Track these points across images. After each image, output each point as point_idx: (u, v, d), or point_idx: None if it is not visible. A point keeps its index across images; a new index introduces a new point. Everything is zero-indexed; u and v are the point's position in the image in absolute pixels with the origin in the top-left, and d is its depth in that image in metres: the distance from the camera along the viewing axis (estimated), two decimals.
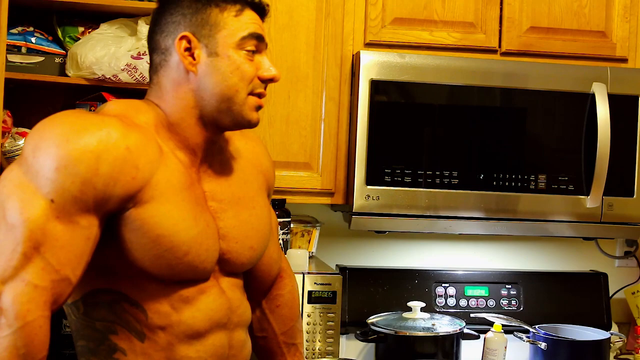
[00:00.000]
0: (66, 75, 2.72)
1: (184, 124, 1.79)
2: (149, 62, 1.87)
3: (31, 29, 2.75)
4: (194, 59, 1.77)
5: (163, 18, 1.81)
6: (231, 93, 1.78)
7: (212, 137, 1.84)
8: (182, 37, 1.77)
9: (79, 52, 2.67)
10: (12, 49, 2.67)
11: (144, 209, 1.67)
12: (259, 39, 1.81)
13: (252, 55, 1.80)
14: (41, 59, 2.73)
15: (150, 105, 1.80)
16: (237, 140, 1.98)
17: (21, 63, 2.70)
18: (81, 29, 2.80)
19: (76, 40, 2.76)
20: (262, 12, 1.86)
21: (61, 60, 2.75)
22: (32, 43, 2.72)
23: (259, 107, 1.83)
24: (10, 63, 2.63)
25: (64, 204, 1.57)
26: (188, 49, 1.77)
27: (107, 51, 2.66)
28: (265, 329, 2.17)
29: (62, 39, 2.78)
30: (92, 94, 2.77)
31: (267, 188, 2.06)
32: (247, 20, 1.80)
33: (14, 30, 2.68)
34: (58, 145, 1.58)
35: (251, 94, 1.81)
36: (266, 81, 1.83)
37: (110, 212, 1.65)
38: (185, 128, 1.80)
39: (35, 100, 2.88)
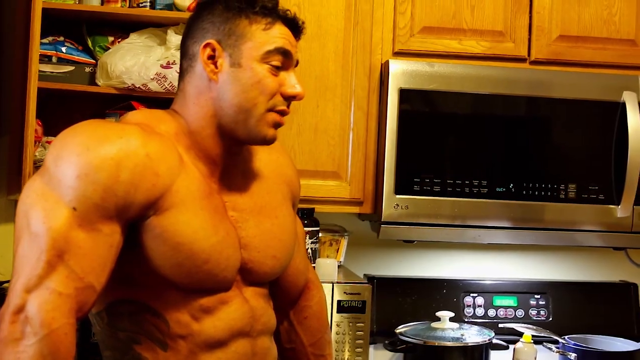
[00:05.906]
0: (96, 85, 2.74)
1: (203, 133, 1.78)
2: (178, 70, 1.87)
3: (61, 38, 2.78)
4: (216, 67, 1.76)
5: (195, 24, 1.80)
6: (249, 106, 1.75)
7: (232, 148, 1.83)
8: (207, 45, 1.75)
9: (109, 61, 2.69)
10: (43, 58, 2.69)
11: (164, 217, 1.67)
12: (285, 54, 1.79)
13: (277, 70, 1.78)
14: (71, 68, 2.75)
15: (173, 115, 1.80)
16: (262, 151, 1.96)
17: (52, 72, 2.72)
18: (111, 38, 2.82)
19: (106, 50, 2.78)
20: (295, 28, 1.84)
21: (91, 69, 2.78)
22: (63, 52, 2.75)
23: (277, 125, 1.80)
24: (41, 73, 2.65)
25: (86, 211, 1.57)
26: (212, 57, 1.76)
27: (136, 60, 2.68)
28: (293, 340, 2.15)
29: (92, 48, 2.81)
30: (121, 103, 2.78)
31: (291, 198, 2.03)
32: (276, 35, 1.78)
33: (44, 40, 2.71)
34: (79, 154, 1.59)
35: (272, 110, 1.78)
36: (289, 98, 1.80)
37: (132, 219, 1.65)
38: (205, 137, 1.78)
39: (65, 110, 2.90)
